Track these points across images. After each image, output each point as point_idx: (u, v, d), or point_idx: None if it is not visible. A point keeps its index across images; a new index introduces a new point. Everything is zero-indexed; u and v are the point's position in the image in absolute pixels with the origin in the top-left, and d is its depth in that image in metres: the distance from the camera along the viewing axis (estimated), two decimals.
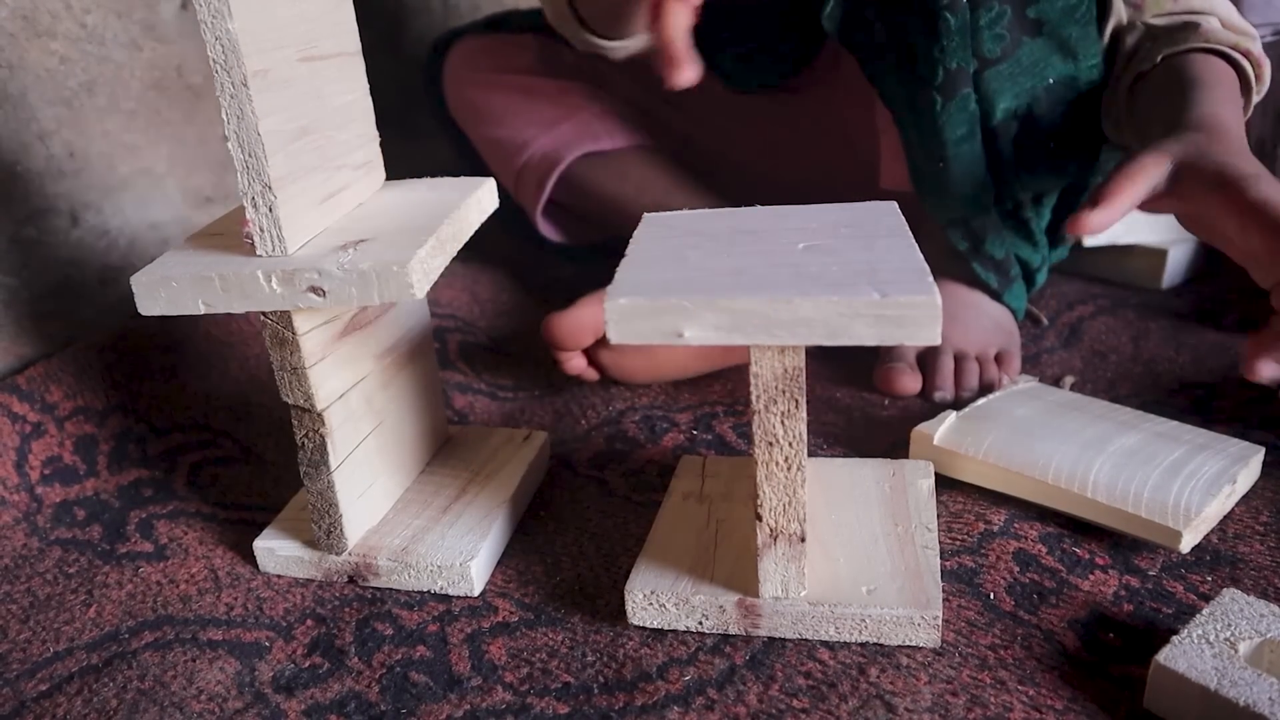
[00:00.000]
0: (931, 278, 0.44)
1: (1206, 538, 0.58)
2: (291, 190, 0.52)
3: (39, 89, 0.83)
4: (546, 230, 1.00)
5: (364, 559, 0.59)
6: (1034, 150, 0.78)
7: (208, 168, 0.96)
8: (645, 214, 0.57)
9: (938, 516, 0.60)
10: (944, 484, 0.64)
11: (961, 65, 0.72)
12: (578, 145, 0.95)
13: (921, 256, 0.46)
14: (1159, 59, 0.73)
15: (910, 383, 0.76)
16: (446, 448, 0.70)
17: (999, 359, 0.79)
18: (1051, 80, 0.75)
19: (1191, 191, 0.61)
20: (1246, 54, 0.73)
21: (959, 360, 0.78)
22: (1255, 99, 0.75)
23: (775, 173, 1.00)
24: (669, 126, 1.03)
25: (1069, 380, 0.78)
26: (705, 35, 0.97)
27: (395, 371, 0.63)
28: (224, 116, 0.50)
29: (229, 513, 0.68)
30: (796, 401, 0.47)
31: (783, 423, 0.47)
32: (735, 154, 1.01)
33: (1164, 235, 0.96)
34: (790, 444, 0.48)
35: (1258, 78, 0.74)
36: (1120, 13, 0.76)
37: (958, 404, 0.75)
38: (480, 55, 1.02)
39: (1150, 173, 0.62)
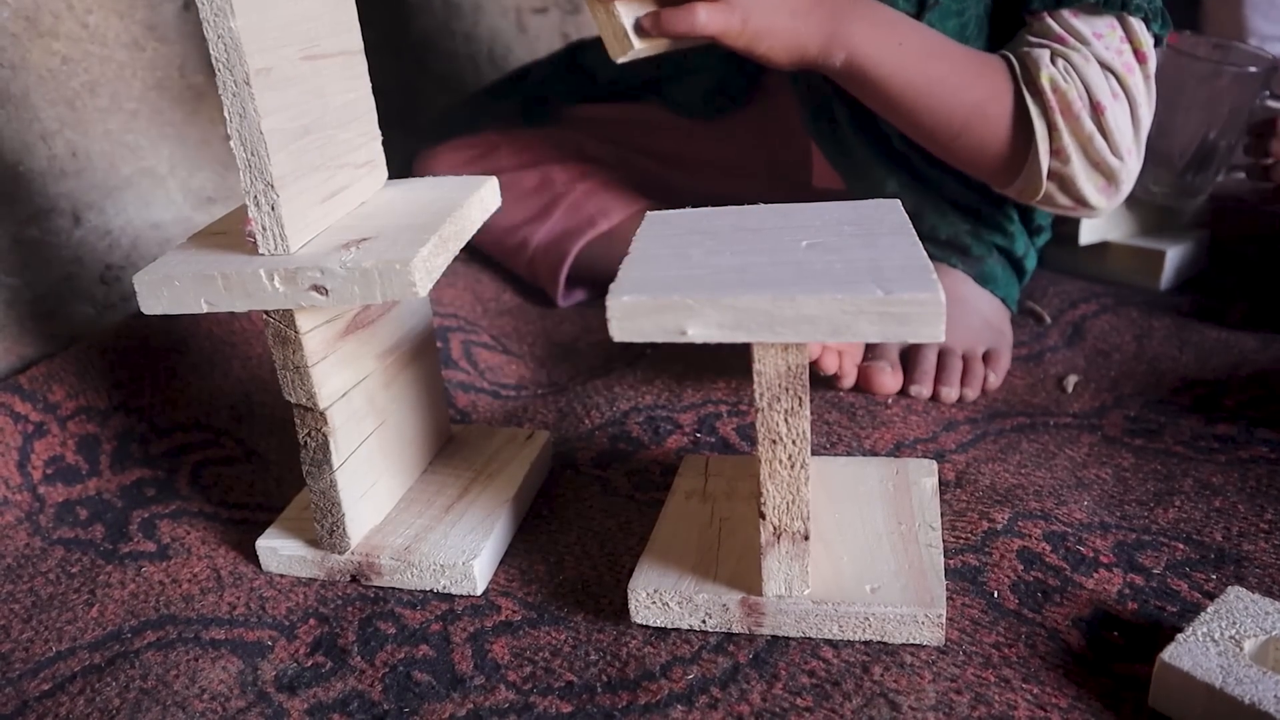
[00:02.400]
0: (935, 275, 0.43)
1: (1212, 536, 0.58)
2: (294, 189, 0.52)
3: (41, 89, 0.83)
4: (570, 301, 1.00)
5: (367, 558, 0.58)
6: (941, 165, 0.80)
7: (209, 167, 0.96)
8: (648, 212, 0.57)
9: (941, 515, 0.60)
10: (947, 483, 0.64)
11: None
12: (578, 234, 0.96)
13: (925, 254, 0.46)
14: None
15: (890, 382, 0.76)
16: (449, 447, 0.70)
17: (987, 357, 0.79)
18: None
19: None
20: (1036, 88, 0.73)
21: (944, 356, 0.77)
22: (1044, 150, 0.74)
23: (757, 189, 1.00)
24: (644, 171, 1.04)
25: (1072, 379, 0.78)
26: (658, 77, 0.98)
27: (398, 370, 0.63)
28: (226, 115, 0.49)
29: (231, 512, 0.68)
30: (800, 399, 0.47)
31: (786, 420, 0.47)
32: (708, 180, 1.02)
33: (1162, 237, 0.96)
34: (794, 442, 0.47)
35: (1053, 132, 0.73)
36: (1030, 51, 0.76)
37: (936, 398, 0.76)
38: (445, 166, 1.03)
39: None
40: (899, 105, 0.74)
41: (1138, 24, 0.74)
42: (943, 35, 0.74)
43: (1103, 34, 0.73)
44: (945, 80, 0.73)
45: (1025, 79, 0.73)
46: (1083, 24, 0.73)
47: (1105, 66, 0.73)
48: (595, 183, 1.01)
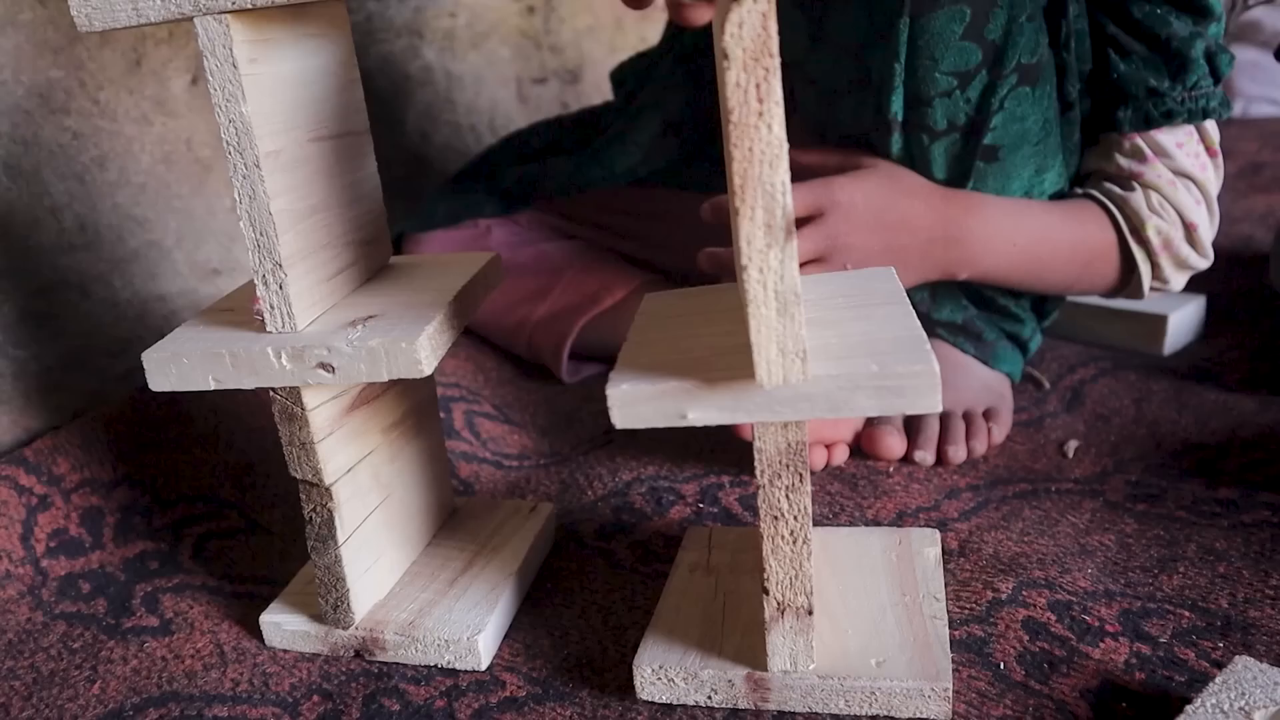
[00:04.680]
0: (929, 346, 0.44)
1: (1218, 603, 0.58)
2: (301, 267, 0.53)
3: (52, 164, 0.84)
4: (577, 377, 0.99)
5: (371, 633, 0.58)
6: None
7: (215, 240, 0.97)
8: (646, 294, 0.58)
9: (945, 585, 0.60)
10: (951, 551, 0.64)
11: None
12: (580, 311, 0.95)
13: (919, 325, 0.47)
14: (1077, 190, 0.80)
15: (895, 445, 0.76)
16: (453, 520, 0.70)
17: (988, 414, 0.79)
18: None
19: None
20: (1141, 237, 0.78)
21: (945, 418, 0.78)
22: (1146, 282, 0.81)
23: None
24: (638, 249, 1.04)
25: (1073, 445, 0.78)
26: (684, 157, 0.99)
27: (403, 445, 0.64)
28: (236, 196, 0.51)
29: (235, 586, 0.68)
30: (801, 475, 0.47)
31: (787, 496, 0.47)
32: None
33: (1163, 302, 0.97)
34: (795, 518, 0.48)
35: (1155, 266, 0.80)
36: (1108, 160, 0.80)
37: (943, 460, 0.76)
38: (432, 251, 1.03)
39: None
40: (1017, 285, 0.80)
41: (1211, 124, 0.78)
42: (1044, 205, 0.78)
43: (1183, 143, 0.78)
44: (1057, 258, 0.78)
45: (1130, 229, 0.79)
46: (1165, 136, 0.77)
47: (1186, 176, 0.78)
48: (594, 259, 1.01)
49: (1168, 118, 0.76)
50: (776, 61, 0.38)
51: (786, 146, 0.39)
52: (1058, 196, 0.80)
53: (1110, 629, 0.56)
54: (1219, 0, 0.75)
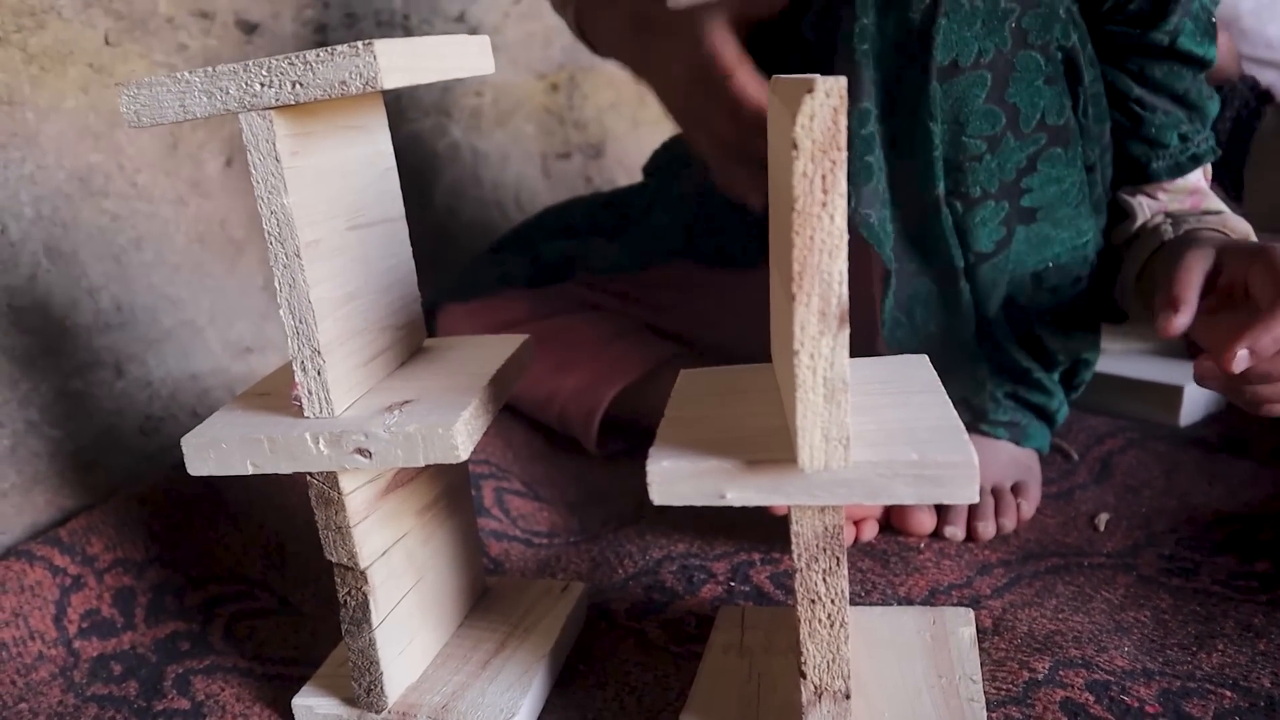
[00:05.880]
0: (966, 436, 0.44)
1: (1260, 682, 0.57)
2: (339, 353, 0.54)
3: (90, 246, 0.86)
4: (604, 448, 0.99)
5: (404, 717, 0.58)
6: (1028, 329, 0.80)
7: (247, 318, 0.99)
8: (682, 370, 0.59)
9: (980, 664, 0.59)
10: (985, 630, 0.64)
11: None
12: (608, 384, 0.96)
13: (956, 414, 0.47)
14: (1183, 231, 0.78)
15: (925, 521, 0.76)
16: (484, 600, 0.70)
17: (1016, 489, 0.79)
18: (1050, 264, 0.77)
19: (1235, 264, 0.68)
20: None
21: None
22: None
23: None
24: (668, 323, 1.05)
25: (1104, 517, 0.78)
26: (702, 229, 1.00)
27: (436, 526, 0.64)
28: (277, 285, 0.52)
29: (266, 667, 0.68)
30: (838, 559, 0.47)
31: (824, 580, 0.47)
32: (737, 334, 1.03)
33: (1181, 372, 0.97)
34: (833, 601, 0.48)
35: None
36: (1137, 207, 0.80)
37: (972, 536, 0.76)
38: (467, 321, 1.04)
39: (1201, 264, 0.69)
40: None
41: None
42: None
43: (1203, 181, 0.81)
44: None
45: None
46: (1190, 177, 0.80)
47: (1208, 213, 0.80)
48: (623, 331, 1.02)
49: (1195, 161, 0.78)
50: (844, 155, 0.39)
51: (846, 237, 0.40)
52: (1098, 255, 0.80)
53: (1150, 710, 0.55)
54: (1213, 50, 0.77)
